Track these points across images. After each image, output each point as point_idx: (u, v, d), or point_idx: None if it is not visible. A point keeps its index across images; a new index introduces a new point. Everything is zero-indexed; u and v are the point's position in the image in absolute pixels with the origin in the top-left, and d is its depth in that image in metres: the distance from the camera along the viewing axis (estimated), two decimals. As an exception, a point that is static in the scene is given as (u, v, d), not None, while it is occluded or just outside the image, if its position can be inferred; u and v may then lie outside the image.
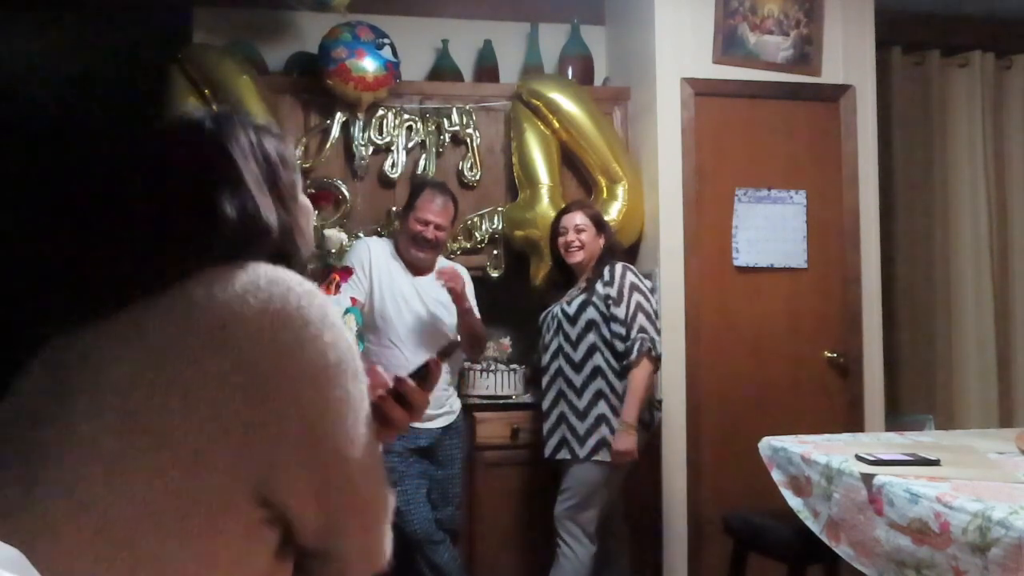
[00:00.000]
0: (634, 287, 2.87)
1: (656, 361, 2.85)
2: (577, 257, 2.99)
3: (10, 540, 0.66)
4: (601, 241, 3.01)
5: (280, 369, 0.75)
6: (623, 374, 2.85)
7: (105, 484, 0.70)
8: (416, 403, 0.92)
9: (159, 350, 0.74)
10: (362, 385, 0.82)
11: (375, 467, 0.85)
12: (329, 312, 0.80)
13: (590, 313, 2.89)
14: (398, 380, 0.92)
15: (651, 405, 2.96)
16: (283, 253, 0.85)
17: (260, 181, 0.85)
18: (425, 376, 0.93)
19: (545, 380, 3.02)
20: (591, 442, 2.83)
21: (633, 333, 2.83)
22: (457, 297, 2.89)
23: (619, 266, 2.92)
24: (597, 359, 2.87)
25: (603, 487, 2.86)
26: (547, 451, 2.96)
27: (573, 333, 2.91)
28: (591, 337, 2.88)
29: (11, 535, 0.66)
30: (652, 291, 2.98)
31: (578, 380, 2.89)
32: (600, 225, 3.04)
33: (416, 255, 2.94)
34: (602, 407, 2.85)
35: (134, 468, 0.71)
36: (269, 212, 0.84)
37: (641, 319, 2.84)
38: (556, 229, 3.06)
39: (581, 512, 2.85)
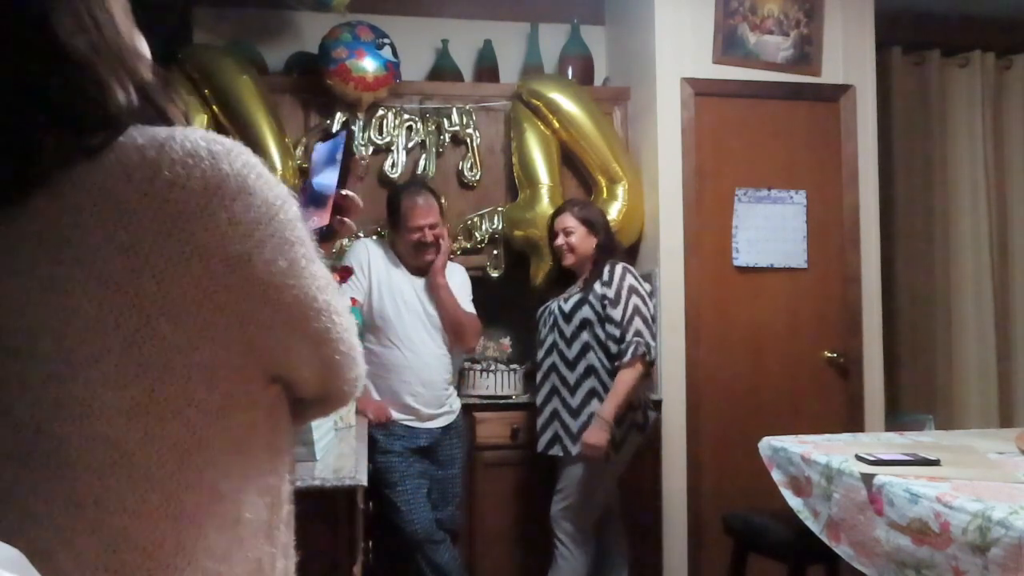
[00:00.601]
0: (632, 290, 2.86)
1: (649, 366, 2.84)
2: (568, 260, 2.99)
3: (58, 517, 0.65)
4: (595, 242, 2.97)
5: (248, 252, 0.70)
6: (616, 374, 2.84)
7: (142, 437, 0.68)
8: (355, 209, 0.92)
9: (109, 271, 0.67)
10: (303, 223, 0.78)
11: (338, 297, 0.83)
12: (257, 166, 0.73)
13: (585, 312, 2.89)
14: (340, 195, 0.90)
15: (646, 407, 2.95)
16: (159, 115, 0.75)
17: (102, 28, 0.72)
18: (346, 177, 0.93)
19: (539, 376, 3.03)
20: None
21: (629, 336, 2.81)
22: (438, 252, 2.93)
23: (619, 267, 2.90)
24: (591, 358, 2.87)
25: (601, 484, 2.87)
26: (540, 446, 2.97)
27: (568, 330, 2.91)
28: (585, 336, 2.88)
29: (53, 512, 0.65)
30: (651, 294, 2.96)
31: (572, 377, 2.90)
32: (591, 225, 2.98)
33: (424, 259, 2.94)
34: (595, 406, 2.85)
35: (159, 414, 0.68)
36: (119, 71, 0.72)
37: (638, 322, 2.82)
38: (551, 230, 3.07)
39: (576, 512, 2.86)
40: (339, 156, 0.92)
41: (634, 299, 2.84)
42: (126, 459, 0.67)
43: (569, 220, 2.98)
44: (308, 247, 0.77)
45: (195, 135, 0.71)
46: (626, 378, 2.80)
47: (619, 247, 3.17)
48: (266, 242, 0.72)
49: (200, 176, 0.69)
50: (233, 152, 0.72)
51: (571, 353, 2.90)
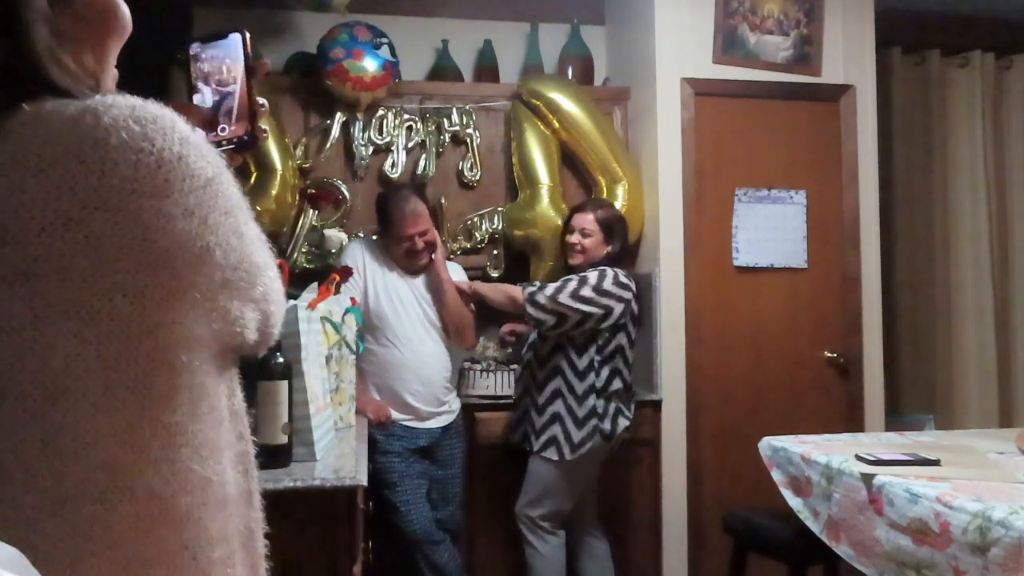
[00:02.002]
0: (582, 277, 2.82)
1: (527, 299, 2.80)
2: (576, 260, 2.95)
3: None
4: (607, 250, 2.92)
5: (207, 243, 0.68)
6: (582, 375, 2.85)
7: (138, 456, 0.67)
8: (264, 115, 0.90)
9: (79, 301, 0.64)
10: (233, 179, 0.75)
11: (263, 246, 0.80)
12: (189, 136, 0.69)
13: None
14: (256, 103, 0.88)
15: (616, 416, 2.89)
16: (58, 87, 0.69)
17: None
18: (251, 82, 0.89)
19: (519, 370, 3.10)
20: (543, 438, 2.87)
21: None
22: (430, 255, 2.90)
23: (598, 268, 2.86)
24: (558, 358, 2.88)
25: (557, 483, 2.88)
26: (514, 438, 3.04)
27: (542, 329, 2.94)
28: (555, 335, 2.88)
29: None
30: (608, 294, 2.80)
31: (540, 375, 2.92)
32: (610, 231, 2.93)
33: (416, 264, 2.94)
34: (558, 405, 2.86)
35: (150, 429, 0.68)
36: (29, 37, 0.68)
37: (552, 284, 2.82)
38: (566, 225, 3.04)
39: (535, 508, 2.89)
40: (240, 59, 0.88)
41: (573, 279, 2.82)
42: (126, 479, 0.66)
43: (590, 221, 2.93)
44: (244, 207, 0.75)
45: (119, 114, 0.65)
46: (510, 287, 2.93)
47: (629, 254, 3.10)
48: (219, 224, 0.70)
49: (147, 174, 0.65)
50: (167, 128, 0.67)
51: (543, 351, 2.93)
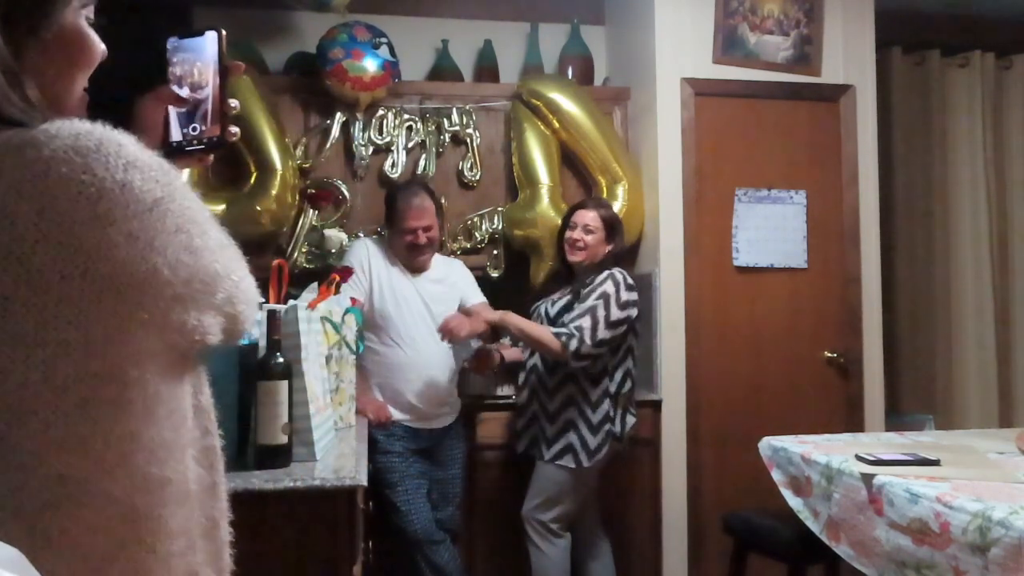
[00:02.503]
0: (602, 294, 2.77)
1: (572, 356, 2.72)
2: (577, 257, 2.92)
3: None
4: (608, 248, 2.92)
5: (153, 264, 0.68)
6: (596, 380, 2.83)
7: (94, 464, 0.68)
8: (232, 115, 0.89)
9: (24, 329, 0.64)
10: (189, 194, 0.74)
11: (230, 250, 0.80)
12: (136, 157, 0.68)
13: (568, 318, 2.83)
14: (227, 105, 0.88)
15: (623, 413, 2.88)
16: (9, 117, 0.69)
17: None
18: (226, 83, 0.89)
19: (522, 376, 3.02)
20: (556, 446, 2.82)
21: (570, 325, 2.73)
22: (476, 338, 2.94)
23: (605, 272, 2.84)
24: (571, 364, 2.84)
25: (569, 490, 2.85)
26: (520, 447, 2.97)
27: None
28: None
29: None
30: (628, 303, 2.80)
31: (551, 382, 2.87)
32: (612, 230, 2.93)
33: (417, 260, 2.95)
34: (571, 413, 2.82)
35: (105, 441, 0.68)
36: None
37: (584, 320, 2.73)
38: (566, 222, 3.00)
39: (546, 512, 2.86)
40: (215, 58, 0.88)
41: (598, 302, 2.76)
42: (81, 488, 0.67)
43: (594, 218, 2.91)
44: (199, 220, 0.74)
45: (61, 145, 0.65)
46: (544, 334, 2.74)
47: (626, 255, 3.07)
48: (167, 244, 0.70)
49: (87, 206, 0.65)
50: (110, 154, 0.67)
51: None
